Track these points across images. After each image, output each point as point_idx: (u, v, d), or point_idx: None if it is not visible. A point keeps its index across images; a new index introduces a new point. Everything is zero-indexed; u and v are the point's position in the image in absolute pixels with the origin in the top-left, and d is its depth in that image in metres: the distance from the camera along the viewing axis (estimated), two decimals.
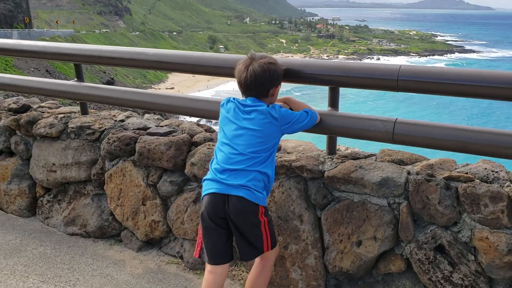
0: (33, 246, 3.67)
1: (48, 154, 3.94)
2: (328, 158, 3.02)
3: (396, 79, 2.52)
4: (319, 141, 3.35)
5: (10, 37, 44.63)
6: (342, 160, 2.95)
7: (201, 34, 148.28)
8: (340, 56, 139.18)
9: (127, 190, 3.58)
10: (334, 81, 2.76)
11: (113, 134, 3.62)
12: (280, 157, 3.03)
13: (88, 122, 3.82)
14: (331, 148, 3.05)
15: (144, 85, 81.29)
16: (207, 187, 2.45)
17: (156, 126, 3.80)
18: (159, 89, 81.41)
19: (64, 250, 3.62)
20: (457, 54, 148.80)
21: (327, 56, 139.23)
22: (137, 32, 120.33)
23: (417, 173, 2.71)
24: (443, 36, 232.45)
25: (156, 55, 3.18)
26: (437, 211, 2.57)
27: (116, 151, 3.56)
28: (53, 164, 3.91)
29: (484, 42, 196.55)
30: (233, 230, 2.41)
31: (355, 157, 2.98)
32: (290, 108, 2.72)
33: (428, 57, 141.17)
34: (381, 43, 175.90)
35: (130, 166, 3.56)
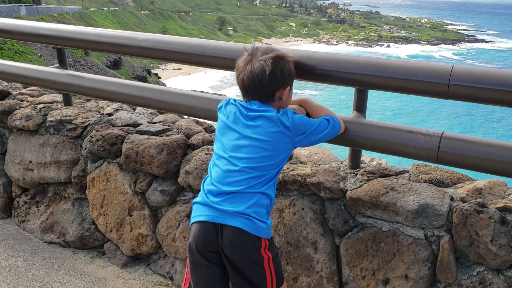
0: (3, 256, 3.18)
1: (25, 150, 3.42)
2: (351, 173, 2.48)
3: (446, 84, 1.96)
4: (338, 147, 2.79)
5: (18, 12, 43.89)
6: (368, 177, 2.40)
7: (210, 15, 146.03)
8: (350, 42, 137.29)
9: (112, 198, 3.06)
10: (363, 81, 2.21)
11: (97, 131, 3.09)
12: (292, 170, 2.49)
13: (70, 116, 3.29)
14: (355, 161, 2.51)
15: (151, 64, 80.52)
16: (197, 213, 1.94)
17: (148, 122, 3.26)
18: (167, 69, 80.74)
19: (38, 262, 3.13)
20: (467, 44, 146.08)
21: (337, 42, 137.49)
22: (146, 11, 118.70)
23: (463, 200, 2.17)
24: (454, 24, 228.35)
25: (147, 41, 2.62)
26: (488, 251, 2.03)
27: (100, 151, 3.03)
28: (30, 161, 3.39)
29: (495, 32, 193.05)
30: (228, 268, 1.90)
31: (384, 173, 2.44)
32: (307, 114, 2.18)
33: (439, 45, 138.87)
34: (391, 30, 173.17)
35: (115, 170, 3.04)
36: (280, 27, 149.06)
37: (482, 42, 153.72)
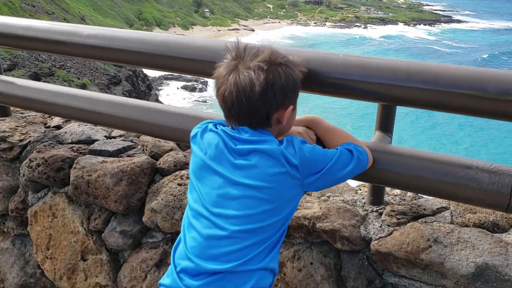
0: None
1: None
2: (373, 211, 1.85)
3: None
4: None
5: None
6: (398, 219, 1.78)
7: None
8: (328, 24, 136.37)
9: (60, 238, 2.37)
10: (388, 95, 1.55)
11: (38, 152, 2.38)
12: (297, 211, 1.85)
13: (4, 132, 2.56)
14: (377, 195, 1.88)
15: None
16: None
17: (105, 137, 2.57)
18: None
19: None
20: (444, 25, 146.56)
21: (315, 23, 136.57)
22: None
23: None
24: (430, 5, 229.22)
25: (94, 37, 1.90)
26: None
27: (42, 179, 2.34)
28: None
29: (469, 12, 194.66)
30: None
31: (418, 213, 1.81)
32: (320, 142, 1.54)
33: (415, 26, 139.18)
34: (369, 11, 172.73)
35: (62, 203, 2.35)
36: (257, 8, 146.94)
37: (457, 22, 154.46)
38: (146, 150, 2.39)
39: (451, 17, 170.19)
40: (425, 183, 1.54)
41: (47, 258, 2.43)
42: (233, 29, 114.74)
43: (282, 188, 1.32)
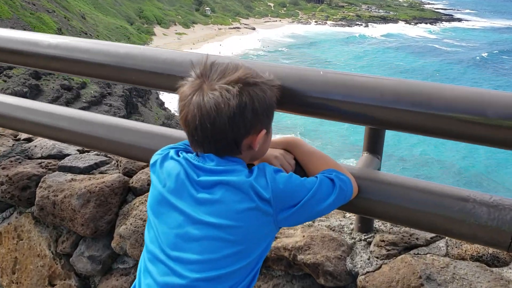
0: None
1: None
2: (361, 240, 1.67)
3: None
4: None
5: None
6: (388, 250, 1.60)
7: None
8: (329, 22, 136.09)
9: (26, 261, 2.20)
10: (373, 118, 1.36)
11: (3, 169, 2.20)
12: (275, 241, 1.68)
13: None
14: (366, 222, 1.70)
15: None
16: None
17: (78, 151, 2.39)
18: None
19: None
20: (445, 23, 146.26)
21: (316, 22, 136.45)
22: None
23: None
24: (431, 3, 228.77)
25: (54, 47, 1.72)
26: None
27: (6, 198, 2.16)
28: None
29: (470, 11, 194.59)
30: None
31: (410, 243, 1.63)
32: (298, 170, 1.36)
33: (416, 25, 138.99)
34: (370, 9, 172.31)
35: (28, 224, 2.17)
36: (258, 7, 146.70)
37: (459, 21, 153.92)
38: (120, 166, 2.22)
39: (452, 15, 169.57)
40: (416, 217, 1.35)
41: (13, 283, 2.26)
42: (234, 28, 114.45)
43: (251, 227, 1.14)
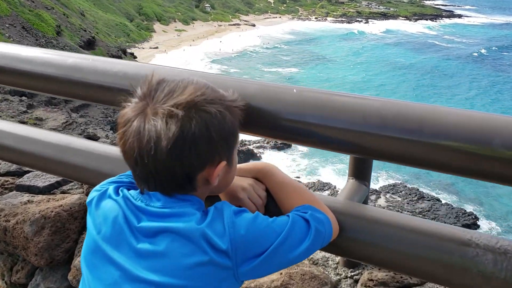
0: None
1: None
2: (347, 277, 1.45)
3: None
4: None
5: None
6: None
7: None
8: (329, 19, 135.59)
9: None
10: (354, 146, 1.13)
11: None
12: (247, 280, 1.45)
13: None
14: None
15: (127, 44, 77.72)
16: None
17: None
18: (143, 48, 78.29)
19: None
20: (446, 20, 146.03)
21: (316, 18, 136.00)
22: None
23: None
24: (432, 0, 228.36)
25: None
26: None
27: None
28: None
29: (471, 7, 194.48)
30: None
31: (402, 282, 1.41)
32: (270, 204, 1.14)
33: (416, 21, 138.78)
34: (370, 5, 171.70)
35: None
36: (258, 3, 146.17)
37: (459, 17, 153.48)
38: (84, 185, 1.99)
39: (452, 12, 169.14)
40: (409, 262, 1.13)
41: None
42: (234, 24, 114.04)
43: (204, 286, 0.92)
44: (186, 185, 0.95)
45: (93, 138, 13.18)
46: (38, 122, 15.01)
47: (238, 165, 1.21)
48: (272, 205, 1.16)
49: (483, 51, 74.22)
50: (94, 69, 1.34)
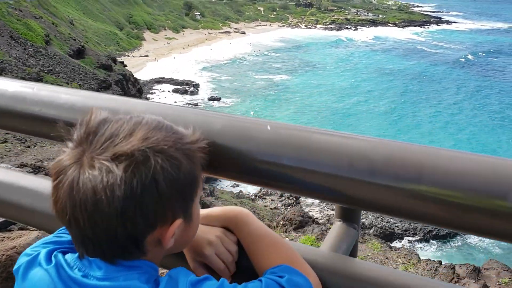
0: None
1: None
2: None
3: None
4: None
5: None
6: None
7: (176, 0, 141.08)
8: (319, 26, 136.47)
9: None
10: (340, 194, 0.94)
11: None
12: None
13: None
14: None
15: (117, 52, 77.39)
16: None
17: None
18: (133, 56, 77.99)
19: None
20: (434, 26, 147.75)
21: (305, 26, 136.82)
22: None
23: None
24: (420, 6, 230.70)
25: None
26: None
27: None
28: None
29: (458, 13, 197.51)
30: None
31: None
32: (242, 257, 0.95)
33: (405, 28, 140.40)
34: (359, 13, 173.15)
35: None
36: (248, 11, 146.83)
37: (447, 23, 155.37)
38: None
39: (440, 18, 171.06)
40: None
41: None
42: (224, 32, 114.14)
43: None
44: (133, 249, 0.76)
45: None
46: None
47: (205, 210, 1.02)
48: (244, 260, 0.97)
49: (470, 56, 75.25)
50: (38, 99, 1.15)
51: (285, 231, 8.20)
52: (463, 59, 73.14)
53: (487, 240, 26.37)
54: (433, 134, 39.05)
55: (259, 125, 0.96)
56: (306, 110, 45.32)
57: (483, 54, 79.35)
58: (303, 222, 8.62)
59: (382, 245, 8.30)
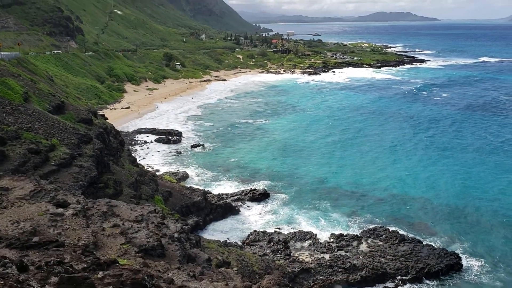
0: None
1: None
2: None
3: None
4: None
5: None
6: None
7: (156, 51, 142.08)
8: (297, 70, 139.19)
9: None
10: None
11: None
12: None
13: None
14: None
15: (99, 105, 76.95)
16: None
17: None
18: (115, 109, 77.99)
19: None
20: (408, 65, 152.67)
21: (284, 71, 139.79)
22: (90, 52, 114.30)
23: None
24: (392, 47, 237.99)
25: None
26: None
27: None
28: None
29: (429, 52, 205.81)
30: None
31: None
32: None
33: (381, 68, 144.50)
34: (335, 56, 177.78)
35: None
36: (227, 59, 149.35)
37: (421, 62, 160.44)
38: None
39: (414, 57, 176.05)
40: None
41: None
42: (205, 80, 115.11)
43: None
44: None
45: (63, 204, 12.40)
46: (3, 192, 14.12)
47: None
48: None
49: (416, 89, 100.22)
50: None
51: None
52: (414, 91, 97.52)
53: (480, 275, 26.00)
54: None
55: None
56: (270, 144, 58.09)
57: (430, 86, 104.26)
58: None
59: None
